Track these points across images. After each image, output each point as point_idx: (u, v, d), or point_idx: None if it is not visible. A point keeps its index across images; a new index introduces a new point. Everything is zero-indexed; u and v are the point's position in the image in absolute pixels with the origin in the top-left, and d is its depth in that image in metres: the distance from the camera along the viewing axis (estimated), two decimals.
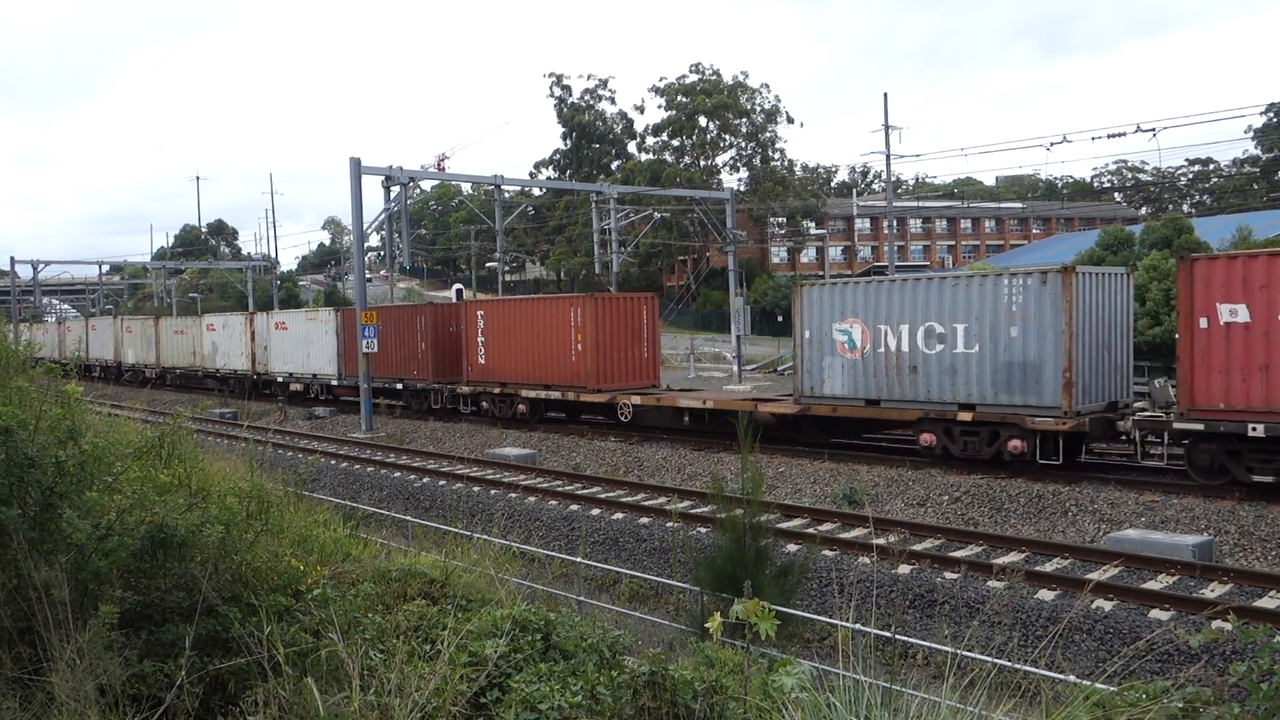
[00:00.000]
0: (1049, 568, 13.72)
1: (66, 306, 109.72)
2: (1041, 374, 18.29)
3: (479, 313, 30.63)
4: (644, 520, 17.76)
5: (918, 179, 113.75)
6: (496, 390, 29.69)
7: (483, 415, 30.46)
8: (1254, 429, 15.62)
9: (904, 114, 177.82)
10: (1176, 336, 16.78)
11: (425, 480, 22.63)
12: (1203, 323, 16.29)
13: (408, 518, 16.86)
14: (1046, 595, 12.62)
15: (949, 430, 19.76)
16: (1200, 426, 16.25)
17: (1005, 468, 18.99)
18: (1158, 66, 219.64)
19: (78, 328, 60.52)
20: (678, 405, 25.18)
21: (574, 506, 19.15)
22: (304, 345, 38.38)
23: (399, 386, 33.64)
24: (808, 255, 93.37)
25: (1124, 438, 18.38)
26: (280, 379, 39.84)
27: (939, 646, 10.13)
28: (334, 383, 36.92)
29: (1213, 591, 12.50)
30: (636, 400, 25.94)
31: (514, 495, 20.33)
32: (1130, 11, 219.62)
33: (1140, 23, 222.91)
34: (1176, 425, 16.66)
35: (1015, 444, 18.63)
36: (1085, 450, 19.65)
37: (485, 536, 12.11)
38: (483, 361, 30.26)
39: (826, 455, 21.62)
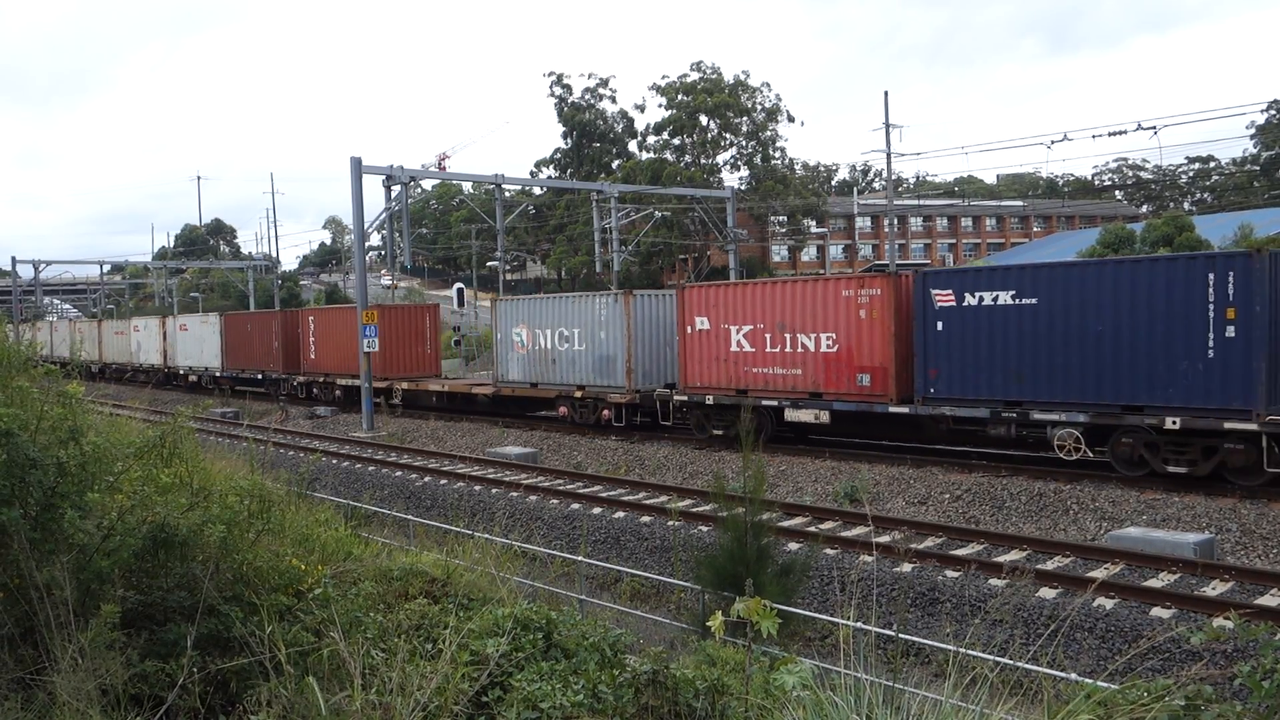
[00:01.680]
0: (1050, 566, 13.72)
1: (68, 306, 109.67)
2: (616, 364, 26.12)
3: (310, 319, 38.98)
4: (645, 519, 17.76)
5: (919, 177, 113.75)
6: (321, 379, 37.73)
7: (314, 399, 38.33)
8: (709, 399, 23.89)
9: (909, 111, 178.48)
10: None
11: (426, 479, 22.64)
12: (688, 329, 24.18)
13: (409, 517, 16.87)
14: (1048, 593, 12.62)
15: (572, 404, 27.54)
16: (686, 398, 24.40)
17: (1006, 466, 19.12)
18: (1165, 63, 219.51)
19: (45, 329, 63.82)
20: (429, 389, 33.48)
21: (575, 505, 19.15)
22: (199, 344, 45.75)
23: (259, 377, 41.49)
24: (809, 253, 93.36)
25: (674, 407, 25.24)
26: (182, 371, 47.25)
27: (941, 645, 10.12)
28: (218, 374, 44.29)
29: (1214, 589, 12.49)
30: (405, 386, 34.30)
31: (515, 494, 20.33)
32: (1139, 7, 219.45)
33: (1148, 18, 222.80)
34: (676, 398, 24.84)
35: (605, 413, 26.47)
36: (641, 415, 26.32)
37: (486, 535, 12.13)
38: (313, 357, 38.33)
39: (828, 454, 21.64)
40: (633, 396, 25.61)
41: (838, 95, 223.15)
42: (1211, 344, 16.27)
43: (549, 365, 28.10)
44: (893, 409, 20.20)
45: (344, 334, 35.84)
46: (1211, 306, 16.23)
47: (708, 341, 23.72)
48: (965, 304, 19.10)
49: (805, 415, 21.98)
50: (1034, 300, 18.22)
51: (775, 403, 22.34)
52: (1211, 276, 16.27)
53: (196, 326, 46.46)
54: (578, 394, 27.15)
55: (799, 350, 21.82)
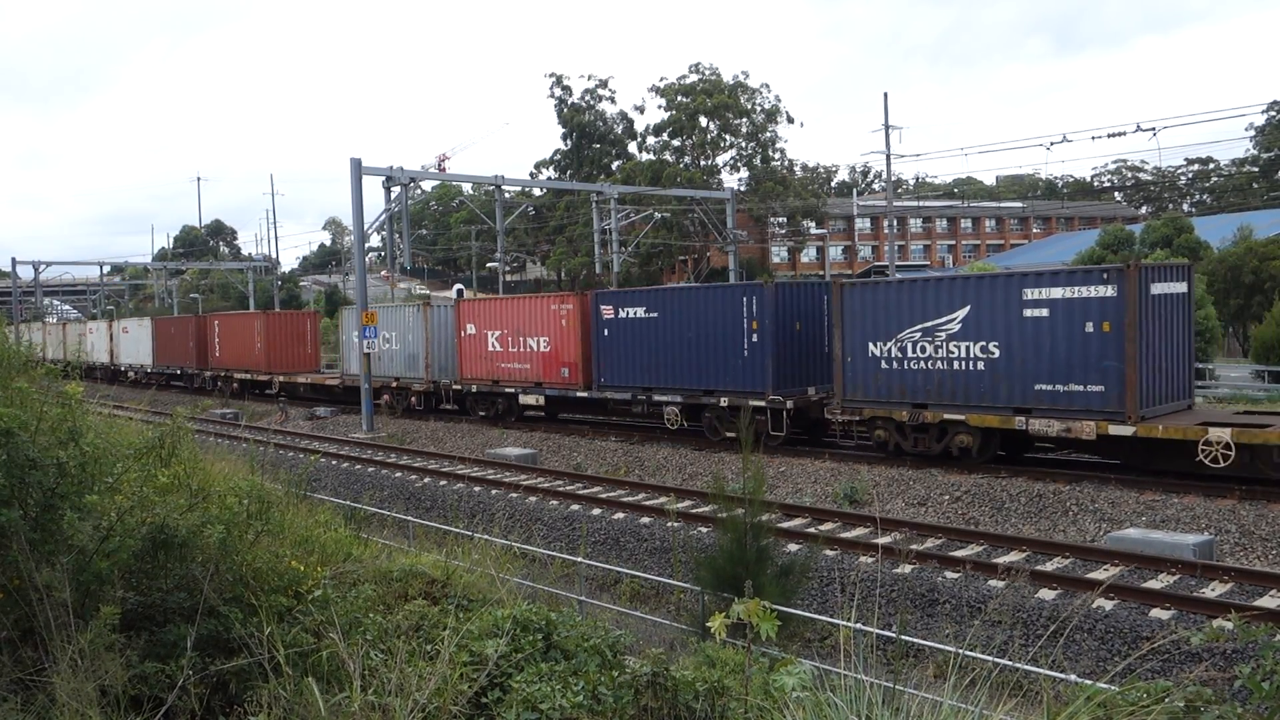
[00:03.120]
0: (1050, 567, 13.71)
1: (68, 307, 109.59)
2: (419, 361, 32.68)
3: (216, 323, 46.09)
4: (645, 520, 17.76)
5: (918, 178, 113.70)
6: (223, 373, 44.43)
7: (218, 390, 44.31)
8: (474, 387, 30.45)
9: (914, 111, 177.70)
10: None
11: (426, 480, 22.63)
12: (462, 333, 30.68)
13: (409, 518, 16.86)
14: (1047, 595, 12.61)
15: (391, 392, 34.12)
16: (460, 387, 30.95)
17: (1005, 467, 19.12)
18: (1168, 63, 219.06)
19: (24, 331, 66.20)
20: (297, 381, 40.12)
21: (575, 506, 19.14)
22: (136, 344, 52.22)
23: (178, 372, 48.51)
24: (808, 255, 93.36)
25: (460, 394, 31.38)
26: (123, 368, 53.54)
27: (941, 646, 10.12)
28: (149, 370, 50.91)
29: (1213, 591, 12.49)
30: (281, 379, 40.64)
31: (515, 495, 20.32)
32: (1144, 6, 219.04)
33: (1153, 18, 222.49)
34: (453, 387, 31.21)
35: (413, 399, 32.94)
36: (437, 401, 32.63)
37: (486, 536, 12.12)
38: (218, 354, 44.97)
39: (827, 455, 21.64)
40: (429, 386, 32.34)
41: (841, 95, 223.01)
42: (746, 347, 22.66)
43: (376, 361, 34.20)
44: (580, 394, 27.05)
45: (241, 336, 43.07)
46: (745, 320, 22.60)
47: (475, 343, 30.31)
48: (620, 316, 25.64)
49: (530, 399, 28.75)
50: (656, 314, 24.71)
51: (514, 390, 29.11)
52: (745, 299, 22.64)
53: (135, 329, 53.07)
54: (394, 384, 33.94)
55: (528, 350, 28.60)
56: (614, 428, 27.59)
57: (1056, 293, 17.92)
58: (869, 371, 20.47)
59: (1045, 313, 18.00)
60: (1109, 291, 17.39)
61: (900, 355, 19.94)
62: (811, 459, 21.61)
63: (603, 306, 25.99)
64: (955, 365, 19.20)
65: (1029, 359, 18.17)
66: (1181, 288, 18.69)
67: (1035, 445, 19.96)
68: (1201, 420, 17.14)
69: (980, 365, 18.86)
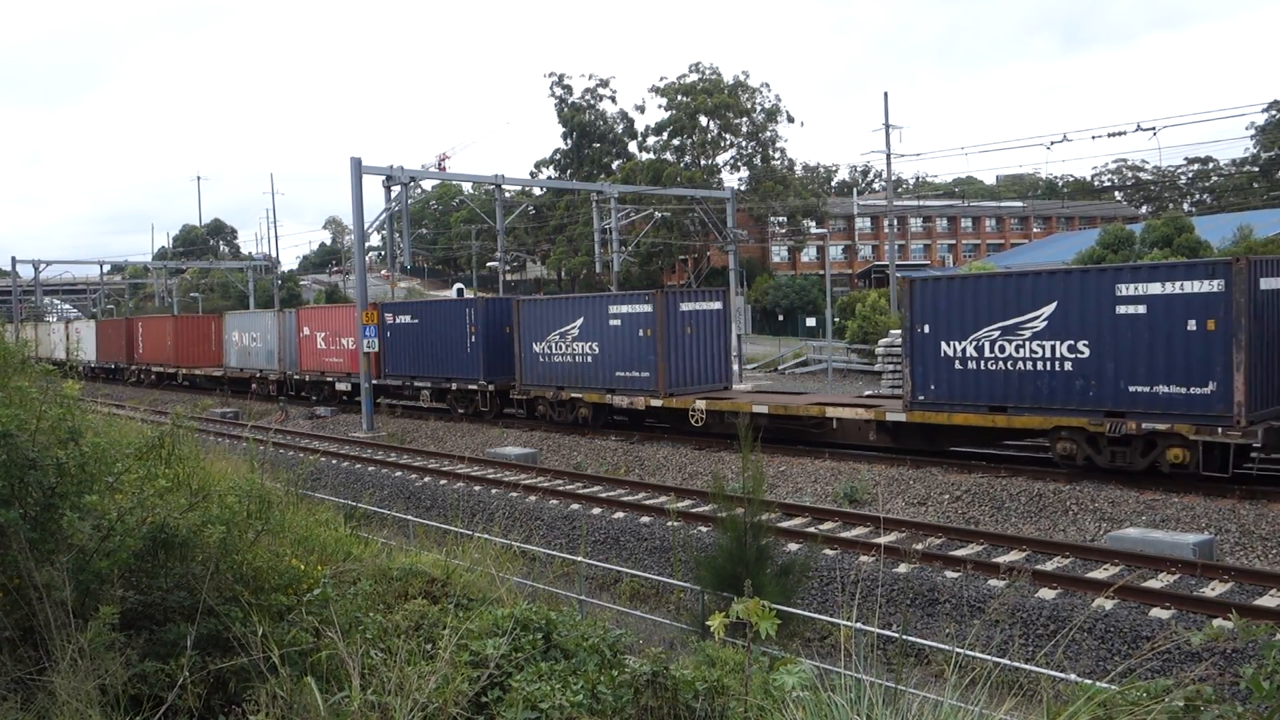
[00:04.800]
0: (1050, 566, 13.71)
1: (68, 306, 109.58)
2: (275, 356, 40.31)
3: (140, 324, 54.44)
4: (645, 519, 17.75)
5: (918, 178, 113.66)
6: (144, 367, 51.94)
7: (143, 382, 50.75)
8: (308, 377, 38.13)
9: (919, 109, 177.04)
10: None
11: (426, 479, 22.62)
12: (301, 334, 38.17)
13: (409, 517, 16.86)
14: (1047, 594, 12.61)
15: (259, 381, 41.78)
16: (299, 377, 38.55)
17: (1005, 467, 19.11)
18: (1175, 60, 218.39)
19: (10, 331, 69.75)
20: (195, 373, 47.46)
21: (575, 506, 19.13)
22: (84, 343, 59.53)
23: (112, 366, 55.81)
24: (809, 254, 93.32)
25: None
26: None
27: (941, 645, 10.12)
28: (93, 365, 57.53)
29: (1214, 590, 12.49)
30: (185, 370, 48.22)
31: (514, 494, 20.31)
32: (1152, 2, 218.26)
33: (1161, 15, 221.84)
34: (295, 377, 38.76)
35: (272, 387, 40.61)
36: (288, 389, 39.86)
37: (486, 535, 12.10)
38: (140, 351, 52.84)
39: (827, 455, 21.64)
40: (282, 376, 39.94)
41: (848, 93, 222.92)
42: (468, 346, 30.16)
43: (248, 356, 42.53)
44: (376, 381, 33.08)
45: (158, 335, 50.63)
46: (467, 326, 30.13)
47: (309, 342, 37.93)
48: (397, 321, 33.27)
49: (343, 386, 36.33)
50: (418, 321, 32.52)
51: (333, 379, 36.76)
52: (467, 310, 30.52)
53: (83, 329, 61.34)
54: (258, 374, 41.79)
55: (343, 347, 35.83)
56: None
57: (625, 309, 25.57)
58: (533, 363, 27.85)
59: (619, 322, 25.58)
60: (648, 308, 24.85)
61: (549, 351, 27.39)
62: (811, 459, 21.60)
63: (387, 314, 33.59)
64: (576, 358, 26.65)
65: (616, 354, 25.64)
66: (716, 305, 26.13)
67: (647, 417, 26.70)
68: (700, 396, 24.59)
69: (589, 358, 26.31)
